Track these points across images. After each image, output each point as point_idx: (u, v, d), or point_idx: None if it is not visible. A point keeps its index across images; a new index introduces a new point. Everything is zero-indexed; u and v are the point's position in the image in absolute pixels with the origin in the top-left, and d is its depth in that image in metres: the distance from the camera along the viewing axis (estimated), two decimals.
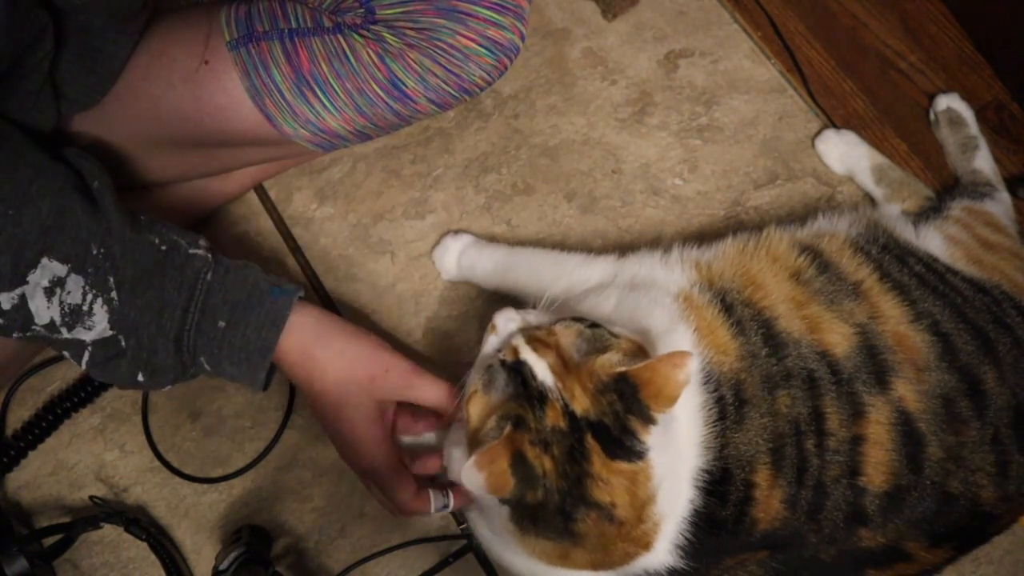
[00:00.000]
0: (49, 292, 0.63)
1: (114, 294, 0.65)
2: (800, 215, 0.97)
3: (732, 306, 0.74)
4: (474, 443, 0.63)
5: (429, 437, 0.80)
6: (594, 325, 0.65)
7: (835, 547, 0.68)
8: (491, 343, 0.67)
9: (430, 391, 0.73)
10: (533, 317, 0.68)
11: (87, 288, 0.64)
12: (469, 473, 0.58)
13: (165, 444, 0.90)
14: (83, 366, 0.68)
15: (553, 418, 0.60)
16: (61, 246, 0.63)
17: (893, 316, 0.74)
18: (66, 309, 0.64)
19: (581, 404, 0.61)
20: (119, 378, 0.69)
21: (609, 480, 0.60)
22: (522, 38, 0.81)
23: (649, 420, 0.60)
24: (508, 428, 0.60)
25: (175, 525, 0.88)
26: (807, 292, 0.75)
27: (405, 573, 0.87)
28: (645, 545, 0.64)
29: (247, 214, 1.00)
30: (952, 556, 0.72)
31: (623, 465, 0.60)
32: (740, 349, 0.71)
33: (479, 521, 0.74)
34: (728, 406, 0.68)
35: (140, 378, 0.69)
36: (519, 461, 0.60)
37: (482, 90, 0.83)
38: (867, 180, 1.00)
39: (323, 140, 0.84)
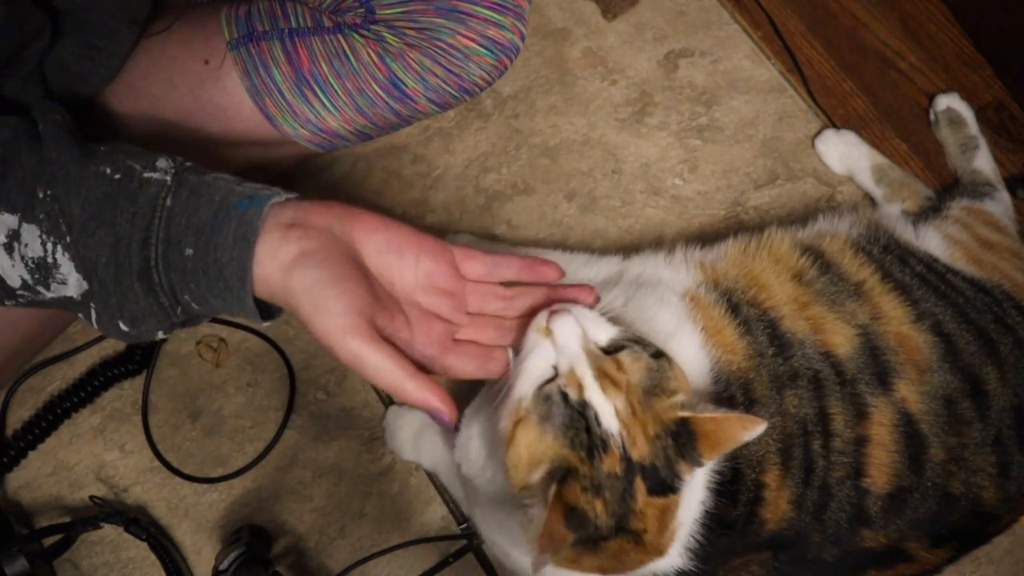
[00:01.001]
0: (8, 248, 0.58)
1: (69, 238, 0.58)
2: (800, 215, 0.97)
3: (738, 306, 0.74)
4: (520, 489, 0.59)
5: None
6: (658, 354, 0.61)
7: (838, 547, 0.68)
8: (544, 354, 0.59)
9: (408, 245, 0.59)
10: (592, 325, 0.61)
11: (44, 236, 0.58)
12: (540, 564, 0.54)
13: (165, 444, 0.90)
14: (94, 324, 0.60)
15: (610, 465, 0.57)
16: (7, 195, 0.57)
17: (895, 317, 0.74)
18: (31, 264, 0.59)
19: (640, 451, 0.57)
20: (111, 331, 0.61)
21: (645, 512, 0.58)
22: (522, 38, 0.81)
23: (696, 463, 0.59)
24: (554, 489, 0.55)
25: (175, 525, 0.87)
26: (809, 293, 0.75)
27: (405, 573, 0.86)
28: (659, 552, 0.63)
29: None
30: (953, 556, 0.72)
31: (659, 500, 0.59)
32: (747, 349, 0.71)
33: (482, 519, 0.74)
34: (738, 406, 0.67)
35: (123, 327, 0.60)
36: (573, 513, 0.56)
37: (482, 90, 0.83)
38: (867, 180, 1.00)
39: (323, 140, 0.84)
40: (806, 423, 0.68)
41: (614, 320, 0.62)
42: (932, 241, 0.85)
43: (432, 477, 0.90)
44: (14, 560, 0.76)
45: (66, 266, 0.59)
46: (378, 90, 0.80)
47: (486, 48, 0.79)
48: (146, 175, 0.59)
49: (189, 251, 0.57)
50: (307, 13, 0.80)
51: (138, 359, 0.91)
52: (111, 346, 0.92)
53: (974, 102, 1.04)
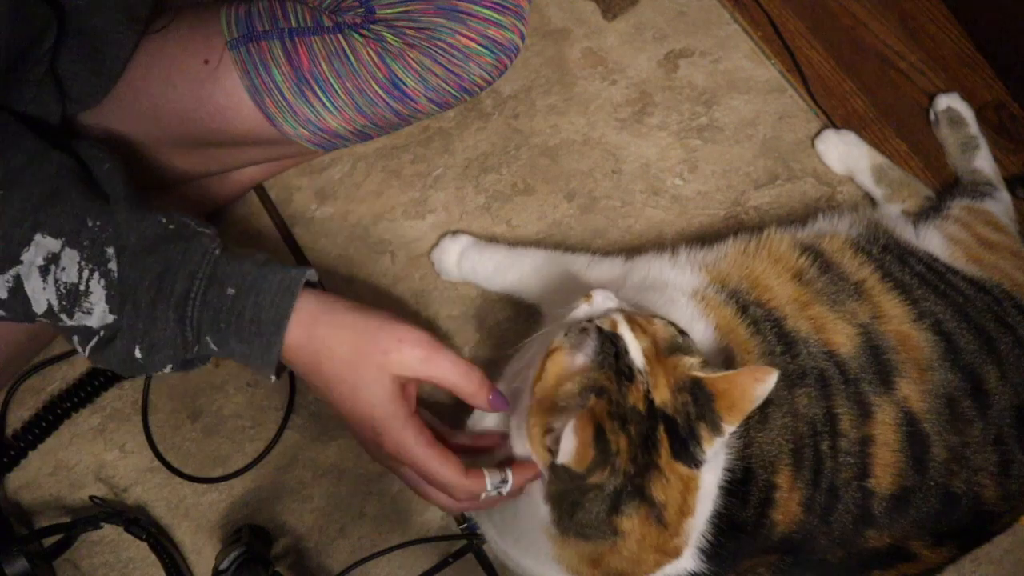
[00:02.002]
0: (44, 271, 0.61)
1: (112, 265, 0.62)
2: (800, 215, 0.97)
3: (746, 306, 0.74)
4: (544, 403, 0.61)
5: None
6: (683, 332, 0.64)
7: (843, 550, 0.68)
8: (582, 310, 0.65)
9: (450, 368, 0.64)
10: (627, 305, 0.66)
11: (83, 263, 0.61)
12: (568, 436, 0.56)
13: (165, 444, 0.90)
14: (86, 353, 0.64)
15: (634, 398, 0.59)
16: (54, 221, 0.61)
17: (895, 316, 0.74)
18: (62, 290, 0.62)
19: (661, 395, 0.60)
20: (115, 358, 0.64)
21: (670, 479, 0.59)
22: (522, 38, 0.81)
23: (717, 430, 0.60)
24: (593, 399, 0.58)
25: (175, 525, 0.87)
26: (810, 292, 0.75)
27: (405, 573, 0.86)
28: (676, 554, 0.63)
29: (247, 214, 1.00)
30: (955, 555, 0.72)
31: (682, 468, 0.60)
32: (759, 348, 0.71)
33: (488, 522, 0.74)
34: None
35: (137, 354, 0.64)
36: (600, 435, 0.58)
37: (482, 90, 0.83)
38: (867, 180, 1.00)
39: (323, 139, 0.84)
40: (815, 423, 0.68)
41: None
42: (932, 241, 0.85)
43: None
44: (14, 560, 0.76)
45: (97, 295, 0.62)
46: (378, 90, 0.80)
47: (486, 48, 0.79)
48: (199, 229, 0.65)
49: (231, 291, 0.63)
50: (307, 13, 0.80)
51: None
52: None
53: (974, 102, 1.04)
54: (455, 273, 0.95)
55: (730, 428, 0.60)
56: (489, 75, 0.81)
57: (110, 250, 0.62)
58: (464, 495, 0.63)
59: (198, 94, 0.79)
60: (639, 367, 0.60)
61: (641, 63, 1.08)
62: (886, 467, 0.68)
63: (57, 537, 0.80)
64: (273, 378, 0.67)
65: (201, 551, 0.87)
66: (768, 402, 0.67)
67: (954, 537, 0.71)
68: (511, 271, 0.90)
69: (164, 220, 0.64)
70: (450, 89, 0.81)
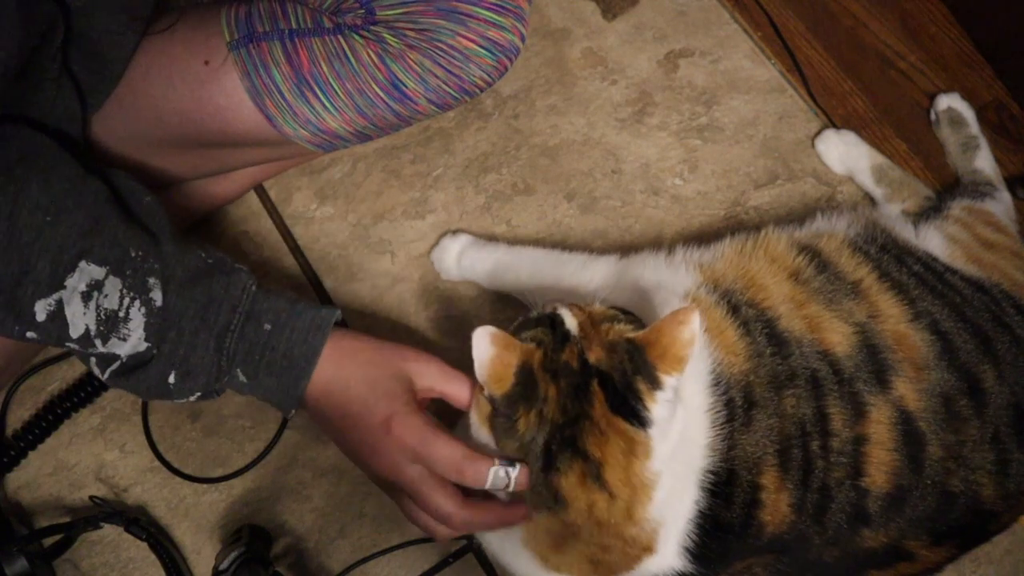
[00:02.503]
0: (86, 297, 0.63)
1: (154, 295, 0.64)
2: (800, 215, 0.97)
3: (738, 307, 0.74)
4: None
5: None
6: (628, 312, 0.67)
7: (838, 549, 0.68)
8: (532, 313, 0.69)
9: (463, 384, 0.67)
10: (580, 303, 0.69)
11: (124, 291, 0.64)
12: (480, 338, 0.60)
13: (165, 444, 0.90)
14: (105, 376, 0.66)
15: (568, 357, 0.62)
16: (99, 249, 0.63)
17: (892, 315, 0.74)
18: (102, 315, 0.63)
19: (595, 354, 0.62)
20: (145, 383, 0.66)
21: (607, 433, 0.60)
22: (522, 39, 0.81)
23: (655, 383, 0.61)
24: (531, 343, 0.63)
25: (175, 525, 0.87)
26: (806, 292, 0.75)
27: (405, 573, 0.87)
28: (647, 548, 0.63)
29: (247, 214, 1.00)
30: (954, 554, 0.72)
31: (623, 424, 0.60)
32: (748, 349, 0.71)
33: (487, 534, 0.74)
34: (737, 408, 0.67)
35: (171, 379, 0.66)
36: (527, 372, 0.61)
37: (482, 91, 0.83)
38: (867, 180, 1.00)
39: (323, 140, 0.84)
40: (804, 423, 0.68)
41: None
42: (932, 241, 0.85)
43: None
44: (14, 560, 0.76)
45: (136, 322, 0.64)
46: (378, 91, 0.80)
47: (486, 49, 0.79)
48: (236, 265, 0.69)
49: (267, 326, 0.67)
50: (307, 14, 0.80)
51: None
52: None
53: (974, 102, 1.04)
54: (455, 272, 0.95)
55: (668, 379, 0.61)
56: (489, 76, 0.81)
57: (152, 280, 0.64)
58: (471, 475, 0.62)
59: (198, 95, 0.79)
60: (573, 331, 0.64)
61: (641, 63, 1.08)
62: (881, 466, 0.68)
63: (57, 537, 0.80)
64: (292, 414, 0.71)
65: (201, 551, 0.87)
66: (753, 404, 0.68)
67: (952, 536, 0.71)
68: (509, 270, 0.90)
69: (204, 255, 0.68)
70: (450, 90, 0.81)
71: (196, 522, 0.88)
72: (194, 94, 0.79)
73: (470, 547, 0.87)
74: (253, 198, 1.00)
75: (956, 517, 0.70)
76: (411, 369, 0.68)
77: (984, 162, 0.99)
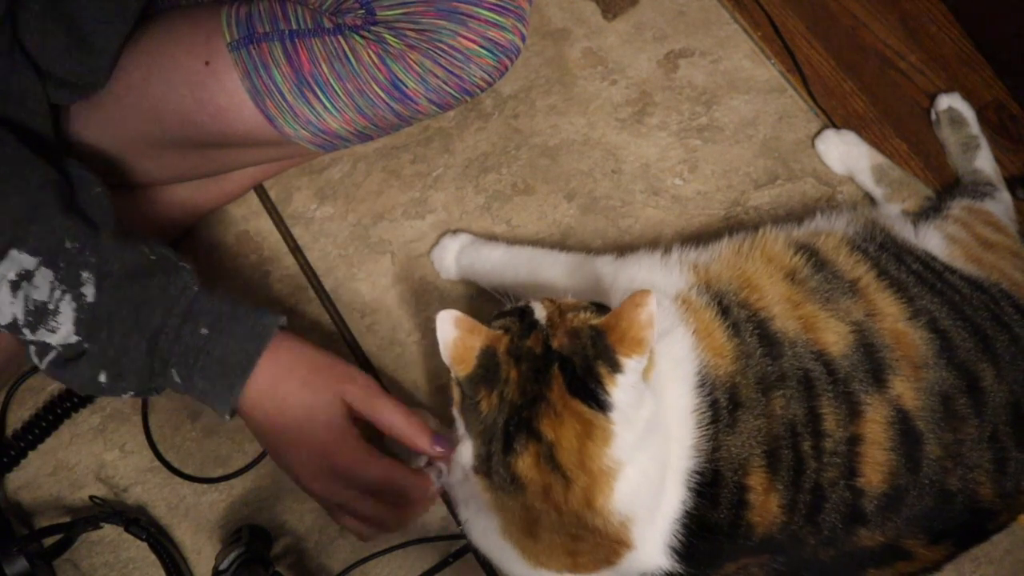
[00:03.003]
0: (15, 286, 0.62)
1: (86, 289, 0.63)
2: (800, 215, 0.97)
3: (729, 308, 0.74)
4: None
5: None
6: (602, 306, 0.67)
7: (834, 548, 0.68)
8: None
9: (393, 412, 0.72)
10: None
11: (56, 283, 0.63)
12: (444, 321, 0.63)
13: (165, 444, 0.90)
14: (43, 366, 0.66)
15: (533, 343, 0.63)
16: (33, 239, 0.62)
17: (890, 313, 0.74)
18: (31, 306, 0.63)
19: (558, 341, 0.63)
20: (77, 379, 0.66)
21: (562, 414, 0.60)
22: (523, 39, 0.81)
23: (616, 367, 0.61)
24: (499, 329, 0.65)
25: (175, 525, 0.88)
26: (802, 291, 0.75)
27: (405, 573, 0.87)
28: (620, 541, 0.63)
29: (247, 214, 1.00)
30: (952, 553, 0.72)
31: (580, 406, 0.60)
32: (735, 351, 0.71)
33: (474, 526, 0.74)
34: (721, 409, 0.67)
35: (101, 378, 0.66)
36: (491, 356, 0.63)
37: (483, 91, 0.83)
38: (867, 180, 1.00)
39: (324, 141, 0.84)
40: (794, 424, 0.68)
41: None
42: (932, 240, 0.84)
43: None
44: (14, 560, 0.76)
45: (65, 315, 0.63)
46: (379, 91, 0.80)
47: (487, 50, 0.79)
48: (180, 264, 0.68)
49: (204, 331, 0.66)
50: (307, 14, 0.80)
51: None
52: None
53: (974, 102, 1.04)
54: (454, 271, 0.95)
55: (629, 362, 0.61)
56: (490, 76, 0.81)
57: (85, 274, 0.64)
58: (422, 501, 0.71)
59: (199, 95, 0.79)
60: (540, 320, 0.65)
61: (641, 63, 1.08)
62: (876, 466, 0.68)
63: (57, 537, 0.80)
64: (227, 418, 0.70)
65: (201, 551, 0.87)
66: (738, 405, 0.68)
67: (950, 535, 0.71)
68: (508, 270, 0.90)
69: (147, 250, 0.67)
70: (451, 90, 0.81)
71: (196, 522, 0.88)
72: (195, 95, 0.79)
73: (470, 547, 0.87)
74: (253, 198, 1.00)
75: (954, 516, 0.70)
76: (346, 392, 0.70)
77: (984, 162, 0.99)
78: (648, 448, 0.63)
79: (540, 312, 0.66)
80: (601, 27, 1.10)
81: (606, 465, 0.61)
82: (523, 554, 0.65)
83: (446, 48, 0.78)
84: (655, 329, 0.61)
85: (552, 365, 0.62)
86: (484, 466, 0.63)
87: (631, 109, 1.06)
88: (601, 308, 0.67)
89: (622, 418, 0.61)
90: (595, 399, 0.61)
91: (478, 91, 0.83)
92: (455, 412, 0.67)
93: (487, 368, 0.63)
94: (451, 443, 0.69)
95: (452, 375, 0.65)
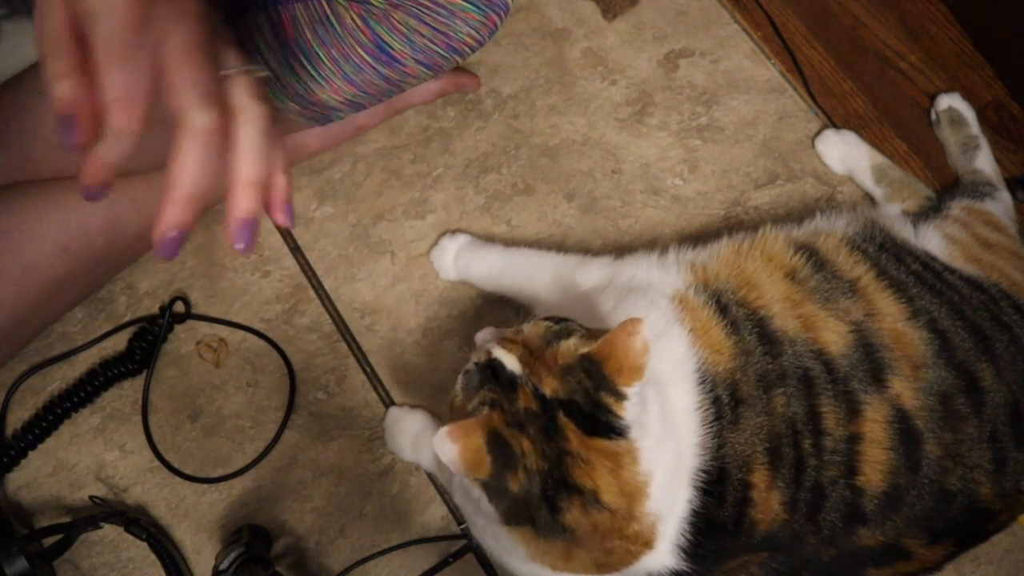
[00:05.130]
0: None
1: None
2: (800, 215, 0.97)
3: (727, 307, 0.74)
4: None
5: None
6: (562, 320, 0.66)
7: (834, 547, 0.68)
8: (471, 359, 0.67)
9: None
10: (511, 332, 0.67)
11: None
12: (441, 442, 0.58)
13: (165, 444, 0.90)
14: None
15: (525, 401, 0.61)
16: None
17: (890, 313, 0.74)
18: None
19: (550, 386, 0.61)
20: None
21: (590, 459, 0.59)
22: None
23: (619, 395, 0.60)
24: (487, 410, 0.61)
25: (175, 525, 0.88)
26: (802, 291, 0.75)
27: (405, 573, 0.87)
28: (646, 543, 0.64)
29: None
30: (952, 553, 0.72)
31: (603, 443, 0.59)
32: (734, 348, 0.71)
33: (480, 528, 0.74)
34: (724, 406, 0.68)
35: None
36: (496, 440, 0.59)
37: (472, 50, 0.81)
38: (867, 180, 1.00)
39: (315, 113, 0.82)
40: (795, 422, 0.68)
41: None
42: (931, 240, 0.85)
43: (432, 477, 0.90)
44: (14, 560, 0.76)
45: None
46: (364, 55, 0.78)
47: (472, 4, 0.77)
48: None
49: None
50: None
51: (138, 359, 0.91)
52: (111, 346, 0.93)
53: (974, 102, 1.04)
54: (452, 272, 0.95)
55: (630, 389, 0.60)
56: (477, 33, 0.79)
57: None
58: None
59: None
60: (517, 373, 0.62)
61: (641, 63, 1.08)
62: (876, 465, 0.68)
63: (57, 537, 0.80)
64: None
65: (201, 551, 0.87)
66: (740, 402, 0.68)
67: (950, 535, 0.71)
68: (505, 273, 0.90)
69: None
70: (438, 49, 0.79)
71: (196, 522, 0.88)
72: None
73: (470, 547, 0.87)
74: None
75: (954, 516, 0.70)
76: None
77: (984, 162, 0.99)
78: (666, 447, 0.63)
79: (510, 361, 0.62)
80: (601, 27, 1.10)
81: (640, 480, 0.61)
82: (552, 571, 0.64)
83: (429, 4, 0.76)
84: (650, 354, 0.59)
85: (556, 415, 0.60)
86: (517, 519, 0.61)
87: (631, 109, 1.06)
88: (563, 322, 0.65)
89: (639, 431, 0.61)
90: (612, 429, 0.60)
91: (467, 50, 0.80)
92: (477, 494, 0.62)
93: (501, 455, 0.59)
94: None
95: (471, 480, 0.61)
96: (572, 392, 0.60)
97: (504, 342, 0.64)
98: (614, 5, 1.10)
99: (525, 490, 0.60)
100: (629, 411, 0.60)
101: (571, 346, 0.62)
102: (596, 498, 0.60)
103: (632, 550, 0.63)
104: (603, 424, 0.60)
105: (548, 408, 0.60)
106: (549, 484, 0.59)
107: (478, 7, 0.77)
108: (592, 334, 0.64)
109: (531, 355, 0.63)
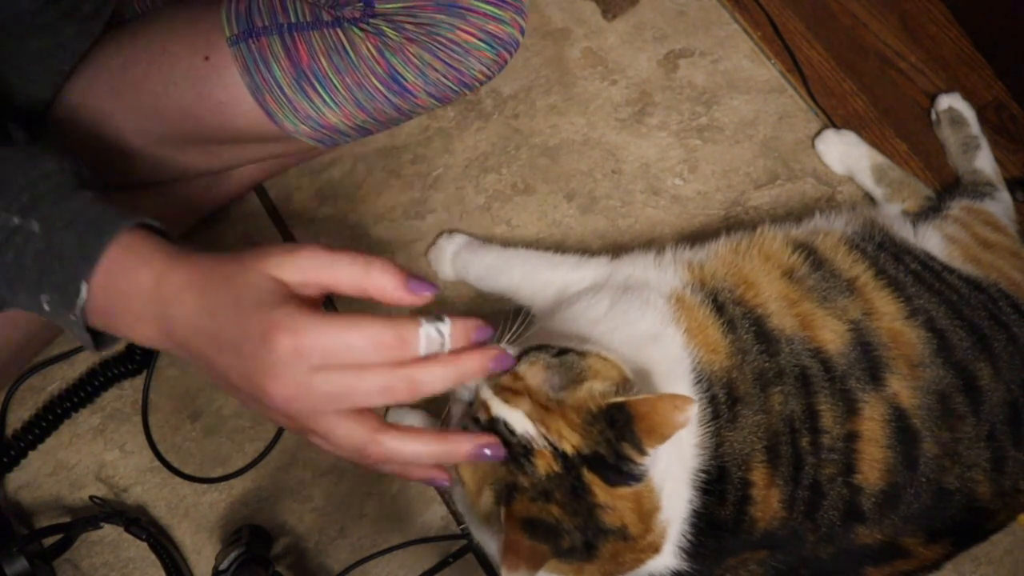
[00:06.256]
0: None
1: None
2: (800, 215, 0.97)
3: (723, 305, 0.74)
4: (484, 519, 0.62)
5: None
6: (561, 352, 0.63)
7: (832, 545, 0.68)
8: (461, 393, 0.63)
9: (352, 266, 0.50)
10: (507, 379, 0.62)
11: None
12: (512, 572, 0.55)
13: (165, 444, 0.90)
14: None
15: (545, 467, 0.58)
16: None
17: (888, 312, 0.74)
18: None
19: (570, 441, 0.58)
20: None
21: (615, 506, 0.59)
22: (522, 32, 0.81)
23: (641, 451, 0.59)
24: (504, 510, 0.58)
25: (175, 525, 0.88)
26: (800, 290, 0.75)
27: (405, 573, 0.87)
28: (655, 549, 0.64)
29: (247, 214, 1.00)
30: (951, 552, 0.72)
31: (625, 490, 0.59)
32: (730, 346, 0.71)
33: (478, 528, 0.74)
34: (721, 405, 0.68)
35: None
36: (532, 525, 0.58)
37: (482, 84, 0.83)
38: (867, 180, 1.00)
39: (324, 135, 0.84)
40: (793, 420, 0.68)
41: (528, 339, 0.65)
42: (931, 240, 0.85)
43: None
44: (14, 560, 0.76)
45: None
46: (378, 84, 0.80)
47: (486, 43, 0.79)
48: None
49: (16, 220, 0.50)
50: (306, 8, 0.80)
51: (138, 359, 0.91)
52: None
53: (974, 102, 1.04)
54: (449, 272, 0.95)
55: (651, 450, 0.59)
56: (489, 70, 0.81)
57: None
58: (399, 345, 0.49)
59: (199, 91, 0.80)
60: (532, 435, 0.58)
61: (641, 63, 1.08)
62: (874, 463, 0.68)
63: (57, 537, 0.80)
64: (93, 345, 0.54)
65: (201, 551, 0.87)
66: (736, 400, 0.68)
67: (948, 534, 0.71)
68: (502, 274, 0.90)
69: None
70: (450, 84, 0.81)
71: (196, 522, 0.88)
72: (195, 90, 0.79)
73: (470, 547, 0.87)
74: (253, 198, 1.00)
75: (952, 514, 0.70)
76: (272, 268, 0.49)
77: (984, 162, 0.99)
78: (672, 458, 0.63)
79: (518, 420, 0.58)
80: (601, 27, 1.10)
81: (655, 503, 0.61)
82: None
83: (445, 41, 0.78)
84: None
85: (581, 472, 0.58)
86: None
87: (631, 109, 1.06)
88: (558, 354, 0.62)
89: (653, 468, 0.60)
90: (633, 477, 0.59)
91: (477, 84, 0.83)
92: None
93: (547, 533, 0.58)
94: (431, 283, 0.51)
95: None
96: (596, 444, 0.58)
97: (504, 393, 0.60)
98: (614, 5, 1.10)
99: (572, 547, 0.59)
100: (646, 458, 0.60)
101: (594, 393, 0.60)
102: (625, 533, 0.60)
103: (642, 558, 0.63)
104: (626, 473, 0.59)
105: (571, 466, 0.58)
106: (588, 534, 0.59)
107: (491, 45, 0.80)
108: (603, 371, 0.61)
109: (542, 407, 0.60)
